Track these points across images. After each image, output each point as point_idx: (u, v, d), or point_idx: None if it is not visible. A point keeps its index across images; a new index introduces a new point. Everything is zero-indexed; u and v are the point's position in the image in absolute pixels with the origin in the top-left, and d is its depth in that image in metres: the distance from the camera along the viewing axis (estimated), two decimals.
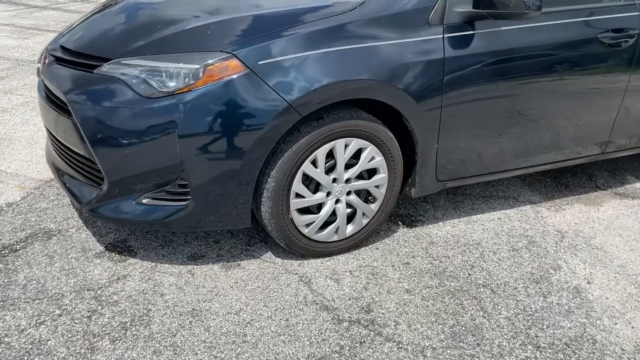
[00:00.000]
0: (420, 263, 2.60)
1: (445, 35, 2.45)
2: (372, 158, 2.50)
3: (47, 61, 2.59)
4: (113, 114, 2.18)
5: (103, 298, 2.24)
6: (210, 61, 2.15)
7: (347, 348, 2.07)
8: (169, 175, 2.22)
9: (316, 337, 2.11)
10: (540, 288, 2.49)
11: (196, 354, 2.00)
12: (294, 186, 2.35)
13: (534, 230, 2.96)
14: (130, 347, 2.01)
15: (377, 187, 2.58)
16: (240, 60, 2.15)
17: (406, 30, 2.39)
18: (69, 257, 2.49)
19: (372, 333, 2.15)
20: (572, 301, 2.42)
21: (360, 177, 2.55)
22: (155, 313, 2.17)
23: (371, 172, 2.57)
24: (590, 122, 3.00)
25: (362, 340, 2.11)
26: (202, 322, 2.14)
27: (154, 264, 2.48)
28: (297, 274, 2.47)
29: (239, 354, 2.00)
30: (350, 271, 2.51)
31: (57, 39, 2.71)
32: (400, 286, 2.43)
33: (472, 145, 2.73)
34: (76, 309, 2.17)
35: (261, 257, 2.57)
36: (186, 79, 2.15)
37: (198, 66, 2.15)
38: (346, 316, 2.23)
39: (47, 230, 2.68)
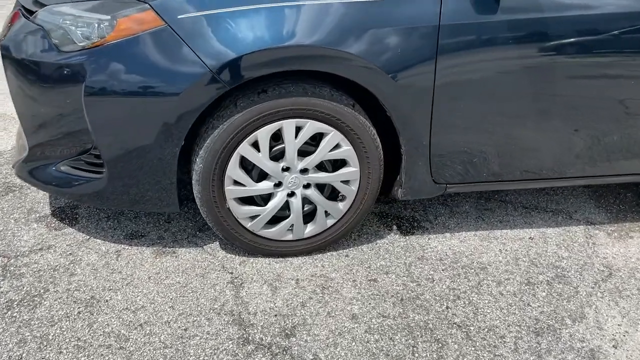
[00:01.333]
0: (390, 282, 2.08)
1: None
2: (337, 146, 2.00)
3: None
4: (31, 68, 1.93)
5: (12, 268, 2.05)
6: (122, 11, 1.80)
7: None
8: (83, 142, 1.94)
9: (205, 359, 1.73)
10: (538, 342, 1.85)
11: (60, 352, 1.72)
12: (229, 171, 1.95)
13: (571, 261, 2.26)
14: (0, 330, 1.79)
15: (345, 182, 2.08)
16: (157, 12, 1.77)
17: None
18: (11, 216, 2.34)
19: None
20: None
21: (324, 168, 2.07)
22: (50, 295, 1.93)
23: (341, 164, 2.08)
24: None
25: None
26: (92, 314, 1.86)
27: (87, 237, 2.24)
28: (232, 273, 2.08)
29: None
30: (297, 279, 2.07)
31: None
32: (348, 309, 1.94)
33: (488, 140, 2.10)
34: None
35: (204, 247, 2.22)
36: (99, 32, 1.82)
37: (109, 17, 1.80)
38: (258, 337, 1.81)
39: (10, 185, 2.56)
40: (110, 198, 2.00)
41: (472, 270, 2.17)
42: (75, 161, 2.00)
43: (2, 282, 1.98)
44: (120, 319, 1.84)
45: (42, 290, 1.95)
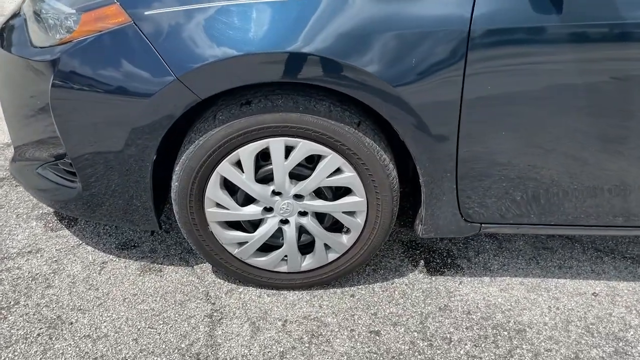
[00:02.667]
0: (396, 338, 1.72)
1: None
2: (338, 171, 1.65)
3: None
4: (9, 62, 1.77)
5: None
6: (87, 4, 1.56)
7: None
8: (57, 147, 1.75)
9: None
10: None
11: None
12: (209, 192, 1.67)
13: None
14: None
15: (349, 213, 1.73)
16: (122, 7, 1.51)
17: None
18: (15, 211, 2.24)
19: None
20: None
21: (323, 195, 1.74)
22: (18, 310, 1.79)
23: (346, 192, 1.73)
24: None
25: None
26: (50, 339, 1.69)
27: (79, 242, 2.08)
28: (214, 304, 1.83)
29: None
30: (285, 321, 1.77)
31: None
32: None
33: (538, 171, 1.66)
34: None
35: (194, 267, 1.98)
36: (66, 27, 1.60)
37: (74, 11, 1.57)
38: None
39: None
40: (85, 210, 1.81)
41: (505, 333, 1.75)
42: (54, 166, 1.83)
43: None
44: (77, 349, 1.66)
45: (12, 302, 1.82)
